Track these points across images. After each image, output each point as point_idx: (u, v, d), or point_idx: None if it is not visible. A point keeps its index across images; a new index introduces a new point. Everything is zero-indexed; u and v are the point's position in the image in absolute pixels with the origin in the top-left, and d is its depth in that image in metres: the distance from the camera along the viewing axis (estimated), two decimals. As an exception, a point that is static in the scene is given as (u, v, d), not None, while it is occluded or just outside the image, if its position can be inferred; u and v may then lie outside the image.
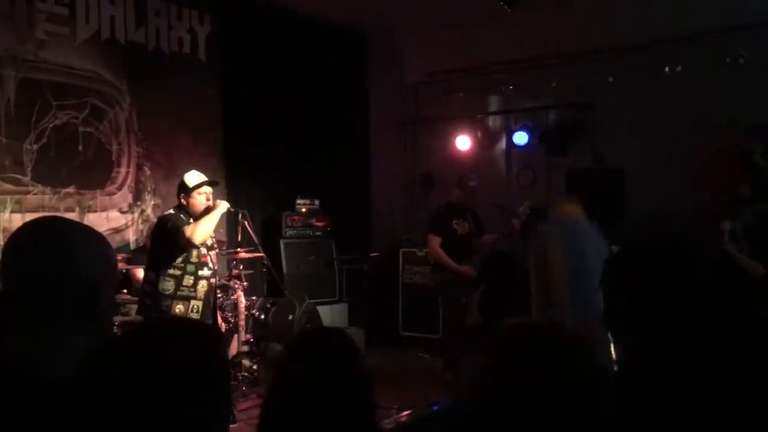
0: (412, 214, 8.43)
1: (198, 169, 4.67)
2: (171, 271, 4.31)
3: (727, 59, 5.94)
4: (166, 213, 4.50)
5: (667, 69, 6.28)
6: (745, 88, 6.00)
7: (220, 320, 5.02)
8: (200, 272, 4.41)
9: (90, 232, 1.42)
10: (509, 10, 5.51)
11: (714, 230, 4.85)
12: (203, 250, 4.43)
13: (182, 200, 4.42)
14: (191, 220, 4.35)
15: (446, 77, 8.12)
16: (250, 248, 5.75)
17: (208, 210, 4.38)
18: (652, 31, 6.49)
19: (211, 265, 4.50)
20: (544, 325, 1.20)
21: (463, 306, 6.12)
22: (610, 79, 6.67)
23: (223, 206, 4.45)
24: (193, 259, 4.38)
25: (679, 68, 6.23)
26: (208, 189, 4.44)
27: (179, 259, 4.35)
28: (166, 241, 4.32)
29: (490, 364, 1.11)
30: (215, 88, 6.94)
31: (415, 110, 8.60)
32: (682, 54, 6.30)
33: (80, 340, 1.16)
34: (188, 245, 4.30)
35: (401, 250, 7.83)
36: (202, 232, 4.28)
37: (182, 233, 4.24)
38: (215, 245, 4.68)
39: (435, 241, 6.07)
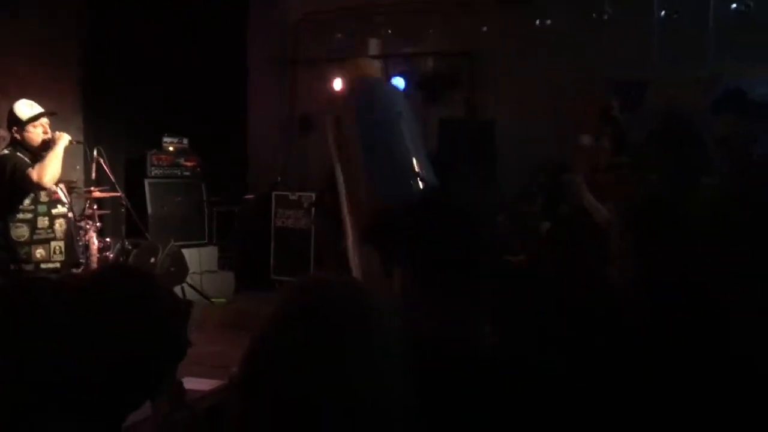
0: (289, 157, 8.28)
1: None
2: (21, 216, 3.99)
3: (593, 14, 6.10)
4: (0, 153, 4.06)
5: (537, 22, 6.38)
6: (609, 43, 6.21)
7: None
8: (54, 210, 4.12)
9: None
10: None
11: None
12: (52, 187, 4.13)
13: (15, 135, 4.02)
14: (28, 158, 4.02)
15: (325, 17, 7.91)
16: (106, 187, 5.45)
17: (46, 144, 4.06)
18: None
19: (64, 200, 4.23)
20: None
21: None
22: (484, 29, 6.72)
23: (65, 139, 4.12)
24: (43, 199, 4.08)
25: (549, 22, 6.35)
26: (45, 120, 4.10)
27: (27, 201, 4.03)
28: (10, 187, 3.96)
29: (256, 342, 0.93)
30: (72, 15, 6.41)
31: (294, 50, 8.35)
32: (552, 8, 6.42)
33: None
34: (38, 189, 4.00)
35: (274, 193, 7.70)
36: (52, 172, 3.98)
37: (28, 178, 3.91)
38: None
39: None
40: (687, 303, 1.71)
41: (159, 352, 1.14)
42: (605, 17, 6.07)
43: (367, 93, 2.54)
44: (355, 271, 2.97)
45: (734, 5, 5.72)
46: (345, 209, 3.16)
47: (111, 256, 5.56)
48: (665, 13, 6.03)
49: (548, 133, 6.47)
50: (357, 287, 1.00)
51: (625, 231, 2.09)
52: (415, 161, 2.54)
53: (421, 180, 2.57)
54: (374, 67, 2.89)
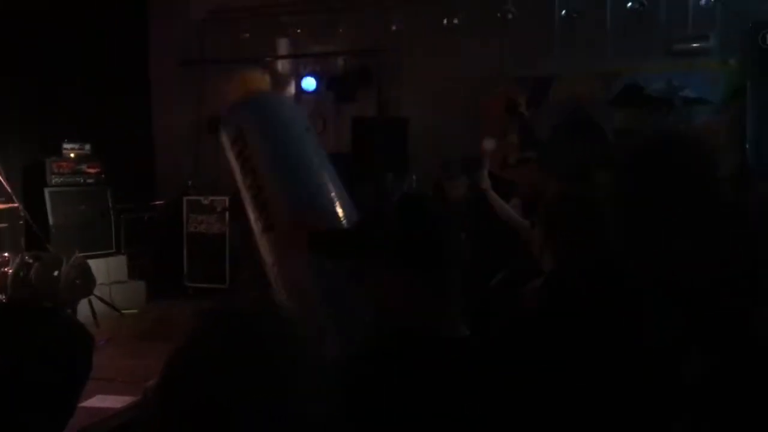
0: (198, 160, 8.06)
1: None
2: None
3: (498, 14, 6.24)
4: None
5: (445, 21, 6.47)
6: (513, 42, 6.38)
7: None
8: None
9: None
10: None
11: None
12: None
13: None
14: None
15: (231, 16, 7.75)
16: (2, 198, 5.15)
17: None
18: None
19: None
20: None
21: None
22: (394, 27, 6.76)
23: None
24: None
25: (456, 21, 6.45)
26: None
27: None
28: None
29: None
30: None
31: (201, 50, 8.14)
32: (459, 7, 6.52)
33: None
34: None
35: (185, 198, 7.49)
36: None
37: None
38: None
39: None
40: (604, 291, 1.77)
41: (58, 383, 1.07)
42: (510, 16, 6.22)
43: (268, 108, 2.66)
44: (280, 286, 2.91)
45: (629, 3, 5.99)
46: (258, 227, 3.11)
47: (9, 271, 5.25)
48: (566, 13, 6.25)
49: (460, 130, 6.58)
50: (272, 302, 1.01)
51: (539, 227, 2.15)
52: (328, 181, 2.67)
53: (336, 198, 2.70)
54: (262, 81, 2.96)
